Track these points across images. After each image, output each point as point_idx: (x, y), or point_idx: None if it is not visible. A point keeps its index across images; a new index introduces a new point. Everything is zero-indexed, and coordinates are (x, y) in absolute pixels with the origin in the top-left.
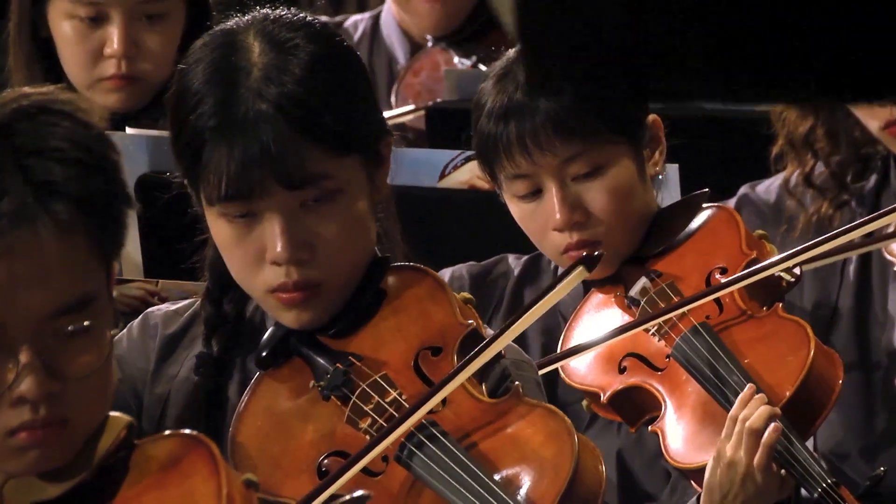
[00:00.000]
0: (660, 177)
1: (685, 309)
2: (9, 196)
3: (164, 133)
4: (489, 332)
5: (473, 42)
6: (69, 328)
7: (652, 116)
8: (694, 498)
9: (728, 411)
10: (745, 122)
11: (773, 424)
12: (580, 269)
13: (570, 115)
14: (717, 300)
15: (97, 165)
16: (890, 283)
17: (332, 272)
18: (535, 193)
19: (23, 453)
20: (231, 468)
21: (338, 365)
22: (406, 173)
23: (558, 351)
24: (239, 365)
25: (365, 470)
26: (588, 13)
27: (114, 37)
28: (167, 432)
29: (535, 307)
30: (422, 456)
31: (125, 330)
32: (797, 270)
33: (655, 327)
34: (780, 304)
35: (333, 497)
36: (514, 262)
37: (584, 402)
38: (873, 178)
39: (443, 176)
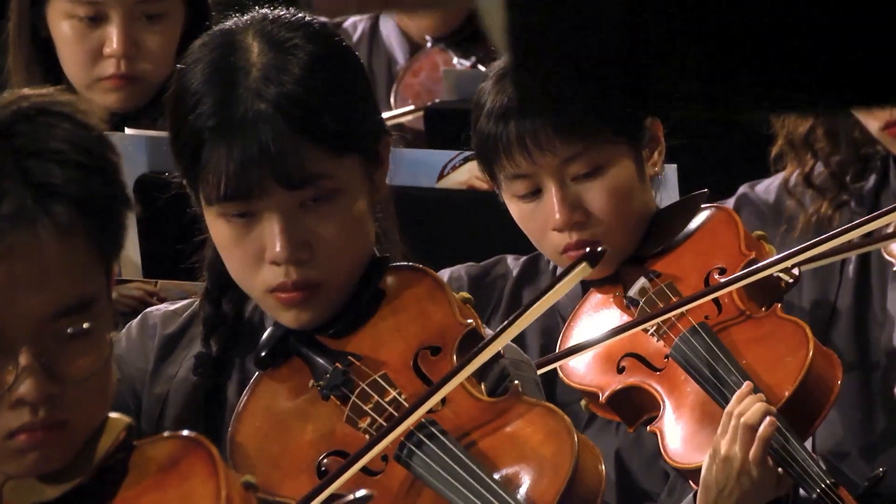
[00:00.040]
0: (659, 177)
1: (684, 309)
2: (8, 198)
3: (163, 133)
4: (488, 332)
5: (472, 42)
6: (69, 330)
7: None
8: (690, 495)
9: None
10: (745, 123)
11: (767, 418)
12: (583, 264)
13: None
14: (716, 300)
15: (97, 167)
16: (889, 283)
17: (331, 272)
18: (535, 193)
19: (22, 455)
20: (230, 470)
21: (337, 364)
22: (405, 174)
23: (557, 351)
24: (238, 365)
25: (364, 469)
26: (583, 31)
27: (113, 36)
28: (166, 434)
29: (537, 303)
30: (421, 455)
31: (124, 330)
32: (796, 271)
33: (654, 327)
34: (779, 305)
35: (335, 497)
36: (513, 263)
37: (583, 402)
38: (872, 179)
39: (441, 176)
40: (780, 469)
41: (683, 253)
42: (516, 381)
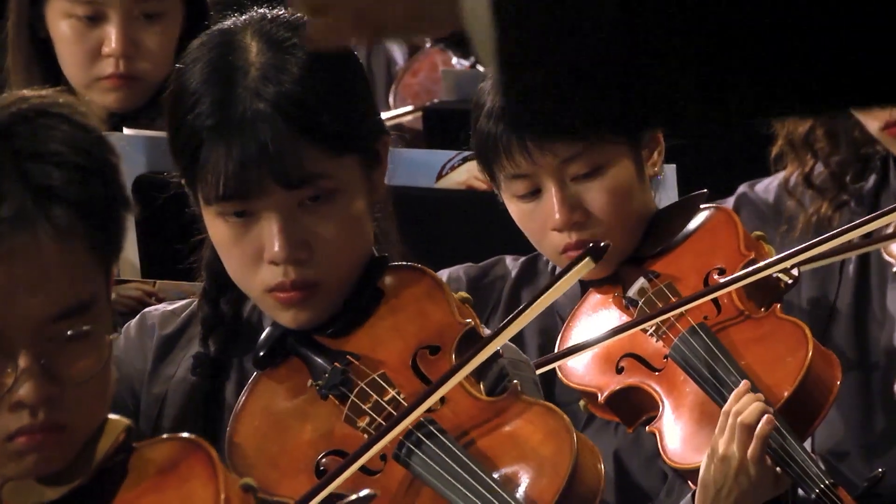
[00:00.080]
0: (658, 177)
1: (683, 309)
2: (8, 200)
3: (162, 133)
4: (487, 331)
5: None
6: (68, 333)
7: None
8: (689, 495)
9: None
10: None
11: (765, 416)
12: (587, 259)
13: None
14: (716, 301)
15: (96, 169)
16: (889, 283)
17: (329, 272)
18: (535, 193)
19: (21, 457)
20: (229, 472)
21: (336, 364)
22: (403, 174)
23: (555, 351)
24: (236, 365)
25: (363, 469)
26: (576, 48)
27: (112, 36)
28: (165, 436)
29: (539, 300)
30: (420, 454)
31: (122, 330)
32: (795, 272)
33: (653, 328)
34: (779, 305)
35: (338, 497)
36: (512, 264)
37: (582, 403)
38: (872, 179)
39: (440, 176)
40: (778, 469)
41: (683, 253)
42: (515, 381)
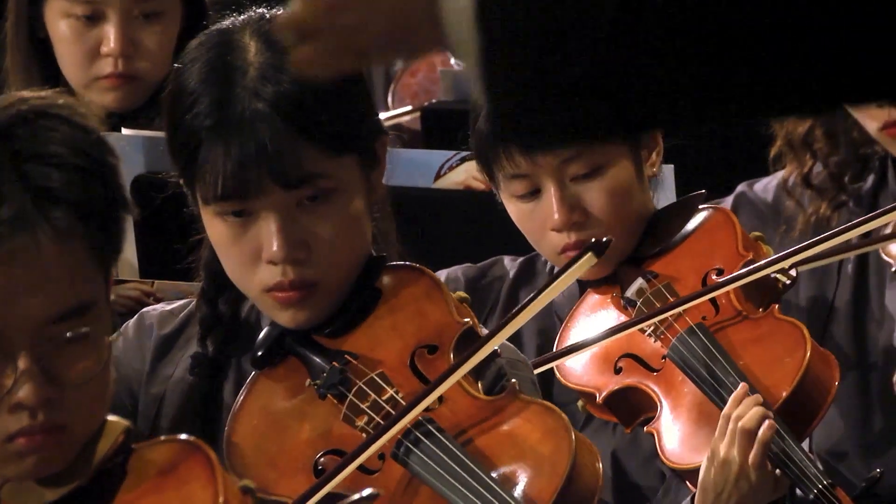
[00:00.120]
0: (657, 177)
1: (681, 309)
2: (8, 202)
3: (160, 133)
4: (485, 331)
5: None
6: (67, 334)
7: None
8: (689, 498)
9: None
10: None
11: (767, 422)
12: (589, 254)
13: None
14: (714, 301)
15: (96, 171)
16: (887, 283)
17: (328, 271)
18: (534, 193)
19: (21, 459)
20: (228, 475)
21: (334, 363)
22: (402, 174)
23: (553, 351)
24: (234, 365)
25: (361, 468)
26: (562, 59)
27: (110, 35)
28: (164, 437)
29: (541, 296)
30: (418, 453)
31: (120, 330)
32: (793, 272)
33: (651, 328)
34: (777, 306)
35: (339, 497)
36: (510, 264)
37: (580, 403)
38: (871, 179)
39: (438, 176)
40: (777, 471)
41: (681, 254)
42: (513, 380)
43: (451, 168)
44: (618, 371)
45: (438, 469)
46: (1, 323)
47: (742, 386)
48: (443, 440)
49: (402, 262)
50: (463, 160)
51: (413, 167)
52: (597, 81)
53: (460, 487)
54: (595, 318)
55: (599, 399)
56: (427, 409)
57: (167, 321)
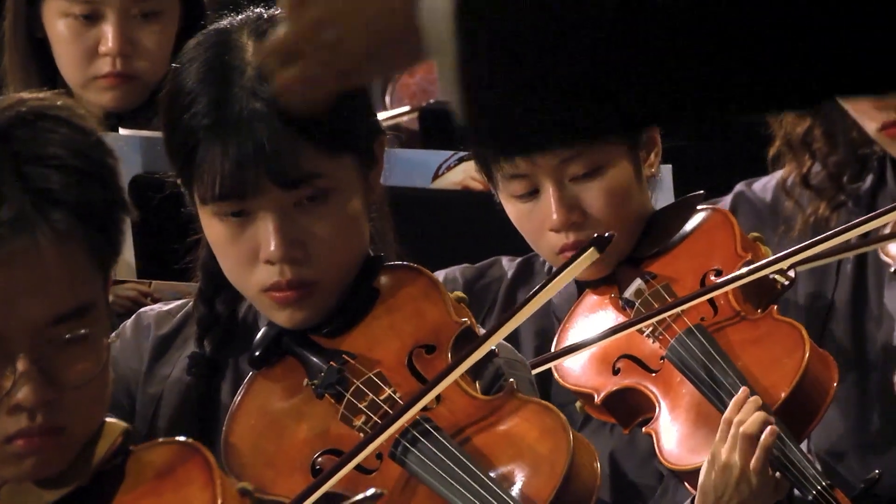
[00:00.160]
0: (656, 178)
1: (679, 310)
2: (7, 204)
3: (158, 134)
4: (483, 331)
5: None
6: (66, 336)
7: None
8: (689, 500)
9: (722, 413)
10: (740, 123)
11: (769, 427)
12: (591, 249)
13: None
14: (712, 302)
15: (95, 173)
16: (886, 283)
17: (325, 271)
18: (533, 193)
19: (20, 460)
20: (226, 477)
21: (332, 363)
22: (399, 174)
23: (551, 352)
24: (232, 365)
25: (359, 467)
26: (550, 61)
27: (109, 35)
28: (162, 439)
29: (542, 291)
30: (416, 452)
31: (118, 330)
32: (791, 273)
33: (650, 329)
34: (775, 307)
35: (340, 498)
36: (508, 265)
37: (578, 404)
38: (870, 179)
39: (436, 177)
40: (777, 474)
41: (679, 255)
42: (511, 380)
43: (448, 168)
44: (616, 372)
45: (436, 468)
46: (0, 324)
47: (743, 390)
48: (440, 439)
49: (399, 262)
50: (461, 160)
51: (411, 167)
52: (594, 80)
53: (458, 487)
54: (593, 319)
55: (598, 400)
56: (425, 409)
57: (164, 321)
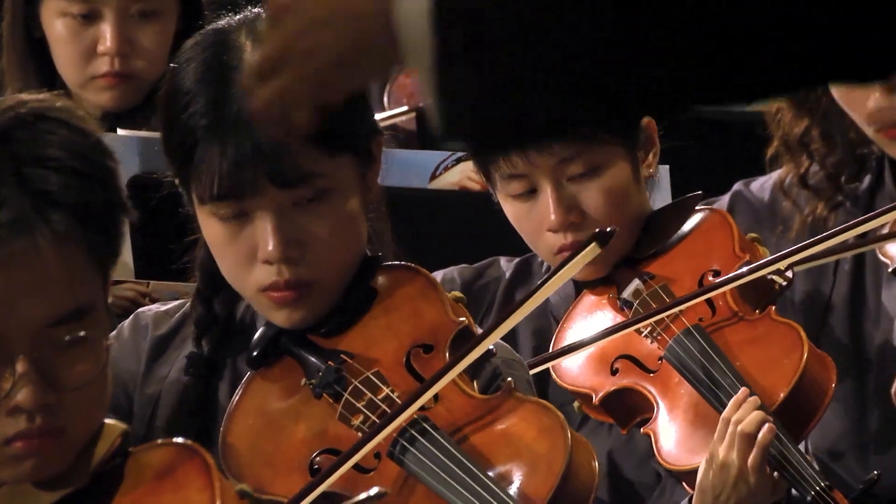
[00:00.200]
0: (654, 178)
1: (677, 310)
2: (7, 206)
3: (155, 134)
4: (480, 331)
5: None
6: (66, 338)
7: (646, 119)
8: (686, 499)
9: (721, 413)
10: (739, 124)
11: (766, 426)
12: (593, 244)
13: None
14: (711, 303)
15: (95, 174)
16: (884, 283)
17: (323, 271)
18: (531, 193)
19: (19, 462)
20: (225, 479)
21: (329, 363)
22: (397, 174)
23: (549, 352)
24: (230, 365)
25: (357, 467)
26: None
27: (107, 34)
28: (161, 441)
29: (545, 286)
30: (414, 451)
31: (115, 331)
32: (789, 274)
33: (648, 329)
34: (774, 308)
35: (336, 496)
36: (506, 265)
37: (576, 404)
38: (867, 179)
39: (434, 177)
40: (775, 474)
41: (677, 255)
42: (509, 379)
43: (446, 168)
44: (614, 372)
45: (434, 467)
46: (0, 326)
47: (742, 390)
48: (438, 438)
49: (397, 262)
50: (458, 161)
51: (408, 167)
52: (571, 74)
53: (456, 485)
54: (591, 320)
55: (596, 400)
56: (423, 408)
57: (162, 322)
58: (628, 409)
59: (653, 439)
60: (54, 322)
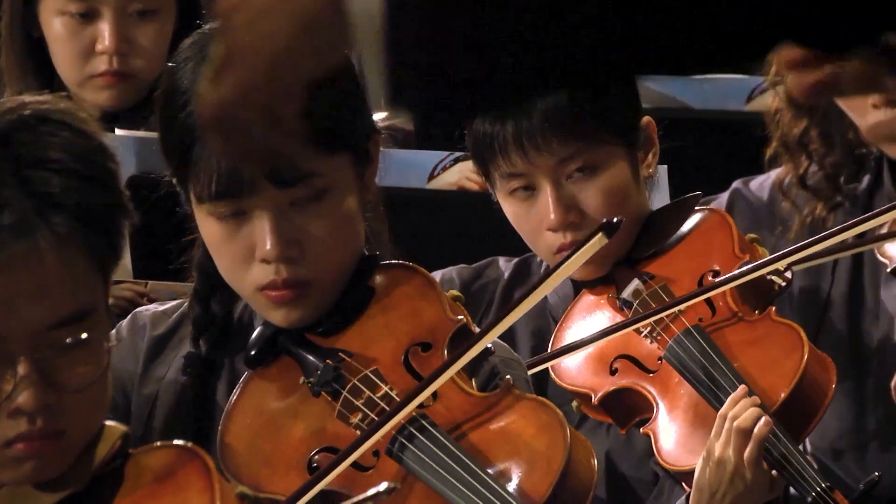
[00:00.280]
0: (654, 178)
1: (677, 310)
2: (9, 208)
3: (153, 134)
4: (479, 330)
5: None
6: (67, 340)
7: (646, 118)
8: (683, 498)
9: None
10: (738, 124)
11: (763, 419)
12: (599, 235)
13: (568, 115)
14: (710, 303)
15: (96, 176)
16: (882, 283)
17: (321, 270)
18: (530, 193)
19: (19, 464)
20: (225, 481)
21: (328, 361)
22: (395, 174)
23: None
24: (227, 365)
25: (355, 465)
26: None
27: (105, 33)
28: (160, 443)
29: (547, 280)
30: (413, 449)
31: (113, 331)
32: (788, 274)
33: (648, 329)
34: (773, 308)
35: (335, 495)
36: (505, 265)
37: (574, 404)
38: (866, 180)
39: (432, 177)
40: (774, 472)
41: (677, 255)
42: (508, 377)
43: (444, 169)
44: (613, 372)
45: (433, 465)
46: (1, 328)
47: (741, 387)
48: (437, 436)
49: (395, 261)
50: (456, 161)
51: (406, 167)
52: (525, 42)
53: (455, 483)
54: (590, 319)
55: (595, 400)
56: (421, 406)
57: (160, 321)
58: (627, 409)
59: (652, 439)
60: (55, 324)
